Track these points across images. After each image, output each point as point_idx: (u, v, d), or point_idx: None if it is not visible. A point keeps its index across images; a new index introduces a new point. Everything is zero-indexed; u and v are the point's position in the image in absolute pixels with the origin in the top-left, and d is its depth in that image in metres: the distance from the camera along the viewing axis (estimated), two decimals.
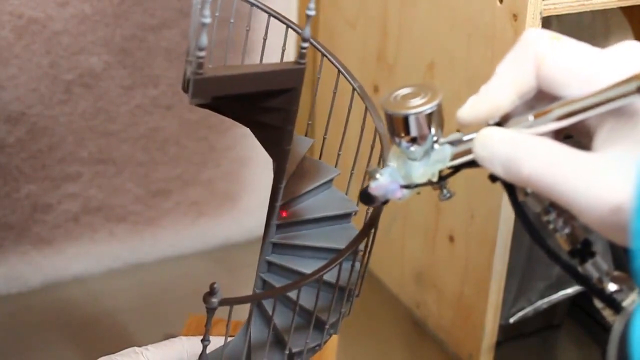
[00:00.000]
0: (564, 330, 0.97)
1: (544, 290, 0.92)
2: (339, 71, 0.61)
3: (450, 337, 0.92)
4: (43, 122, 0.92)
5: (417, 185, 0.47)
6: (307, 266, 0.57)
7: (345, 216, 0.61)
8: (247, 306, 0.57)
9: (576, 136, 0.44)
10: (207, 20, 0.42)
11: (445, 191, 0.47)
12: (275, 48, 0.64)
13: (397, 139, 0.46)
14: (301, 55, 0.48)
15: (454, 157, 0.46)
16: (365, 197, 0.48)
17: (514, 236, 0.82)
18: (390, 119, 0.45)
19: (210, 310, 0.47)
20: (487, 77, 0.82)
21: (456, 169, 0.46)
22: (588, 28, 0.88)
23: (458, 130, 0.47)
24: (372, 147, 0.59)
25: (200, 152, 1.02)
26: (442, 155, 0.46)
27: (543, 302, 0.92)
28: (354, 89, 0.60)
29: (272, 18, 0.61)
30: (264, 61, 0.64)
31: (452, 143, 0.46)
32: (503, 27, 0.74)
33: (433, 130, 0.45)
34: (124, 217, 1.01)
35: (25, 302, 0.97)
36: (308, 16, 0.46)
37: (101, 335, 0.92)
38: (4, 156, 0.91)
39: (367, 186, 0.48)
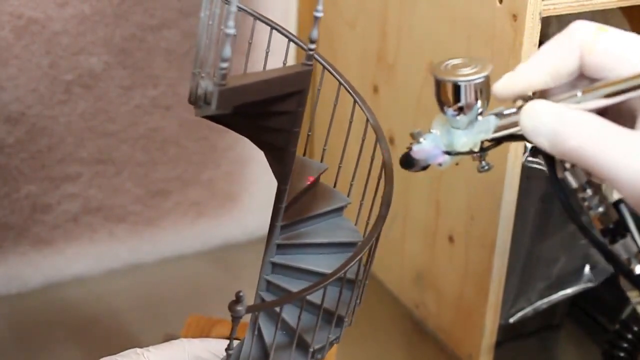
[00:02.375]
0: (564, 330, 0.97)
1: (544, 290, 0.92)
2: (324, 66, 0.61)
3: (450, 338, 0.92)
4: (43, 122, 0.92)
5: (458, 153, 0.48)
6: (312, 263, 0.57)
7: (339, 209, 0.61)
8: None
9: (618, 121, 0.45)
10: (232, 31, 0.42)
11: (484, 163, 0.49)
12: (263, 48, 0.63)
13: (444, 107, 0.48)
14: (308, 57, 0.49)
15: (497, 130, 0.47)
16: (407, 160, 0.50)
17: (513, 236, 0.82)
18: (439, 86, 0.47)
19: (236, 319, 0.46)
20: None
21: (498, 141, 0.48)
22: None
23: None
24: (363, 140, 0.60)
25: (200, 152, 1.02)
26: (486, 126, 0.48)
27: (543, 302, 0.92)
28: (340, 84, 0.60)
29: (261, 23, 0.61)
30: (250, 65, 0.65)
31: (496, 115, 0.48)
32: (502, 27, 0.74)
33: (479, 101, 0.47)
34: (123, 217, 1.01)
35: (25, 302, 0.97)
36: (316, 18, 0.47)
37: (101, 335, 0.92)
38: (4, 156, 0.91)
39: (410, 149, 0.49)
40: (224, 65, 0.43)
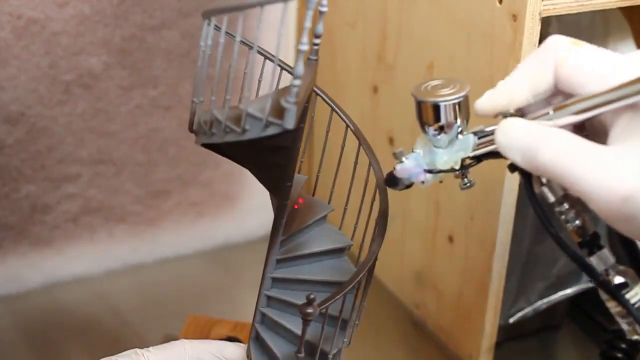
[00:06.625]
0: (564, 330, 0.97)
1: (544, 290, 0.92)
2: (317, 93, 0.61)
3: (450, 338, 0.92)
4: (42, 122, 0.92)
5: (440, 171, 0.50)
6: (308, 272, 0.58)
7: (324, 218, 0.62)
8: (250, 305, 0.57)
9: (591, 136, 0.46)
10: (305, 47, 0.43)
11: (466, 180, 0.50)
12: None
13: (425, 127, 0.49)
14: (314, 52, 0.50)
15: (477, 148, 0.49)
16: (391, 179, 0.52)
17: (513, 236, 0.82)
18: (420, 106, 0.49)
19: (307, 322, 0.47)
20: (486, 77, 0.83)
21: (478, 159, 0.50)
22: (587, 28, 0.88)
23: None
24: (357, 161, 0.60)
25: (200, 152, 1.02)
26: (465, 145, 0.49)
27: (542, 303, 0.92)
28: (329, 101, 0.61)
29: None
30: None
31: (475, 134, 0.49)
32: (502, 27, 0.74)
33: (459, 120, 0.49)
34: (123, 217, 1.01)
35: (25, 302, 0.97)
36: (321, 12, 0.48)
37: (101, 335, 0.92)
38: (4, 157, 0.91)
39: (393, 169, 0.51)
40: (297, 82, 0.44)
